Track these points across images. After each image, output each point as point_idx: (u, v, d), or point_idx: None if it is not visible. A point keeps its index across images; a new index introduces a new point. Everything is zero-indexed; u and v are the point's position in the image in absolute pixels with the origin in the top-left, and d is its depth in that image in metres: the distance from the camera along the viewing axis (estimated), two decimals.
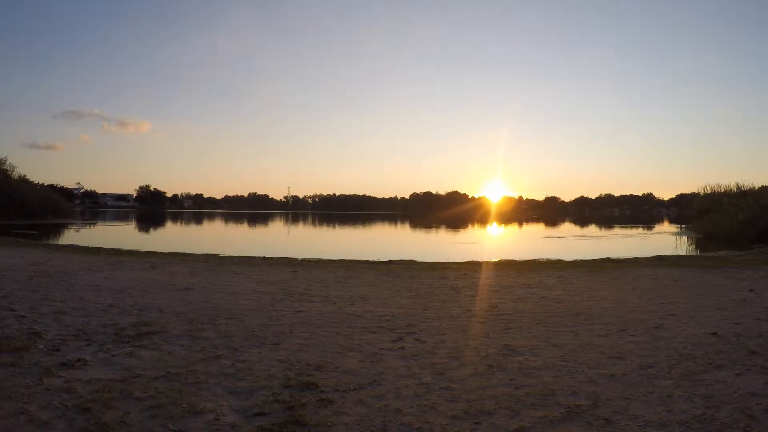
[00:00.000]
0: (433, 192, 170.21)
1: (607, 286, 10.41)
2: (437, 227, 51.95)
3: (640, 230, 47.83)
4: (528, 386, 4.36)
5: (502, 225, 63.50)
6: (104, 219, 63.91)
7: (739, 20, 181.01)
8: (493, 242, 35.28)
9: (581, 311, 7.73)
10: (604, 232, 45.58)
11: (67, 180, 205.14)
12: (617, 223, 66.36)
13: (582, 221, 76.06)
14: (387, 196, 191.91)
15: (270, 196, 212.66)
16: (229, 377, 4.49)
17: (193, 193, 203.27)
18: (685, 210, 69.72)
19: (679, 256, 18.20)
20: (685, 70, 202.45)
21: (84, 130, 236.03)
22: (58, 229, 35.42)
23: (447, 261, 16.13)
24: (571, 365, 4.97)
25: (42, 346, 5.26)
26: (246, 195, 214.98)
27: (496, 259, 17.02)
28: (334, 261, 15.34)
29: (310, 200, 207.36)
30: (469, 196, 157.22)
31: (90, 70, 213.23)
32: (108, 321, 6.53)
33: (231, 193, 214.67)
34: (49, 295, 8.25)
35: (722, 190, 35.59)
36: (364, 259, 16.09)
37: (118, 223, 53.40)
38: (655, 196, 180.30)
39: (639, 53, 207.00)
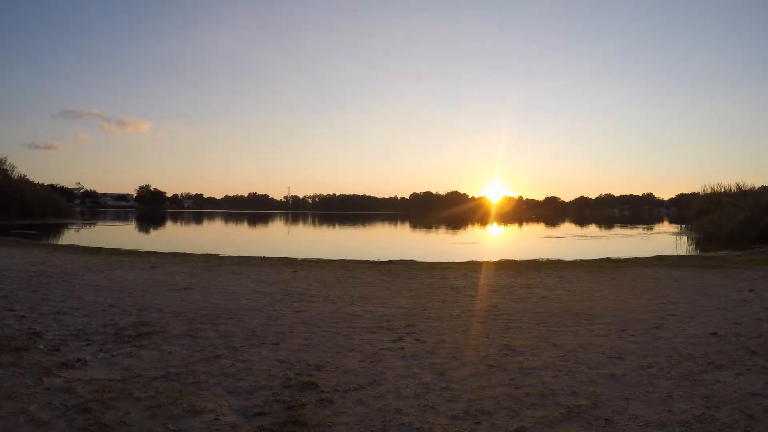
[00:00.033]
0: (433, 192, 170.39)
1: (607, 286, 10.41)
2: (437, 227, 51.96)
3: (640, 230, 47.83)
4: (528, 386, 4.36)
5: (502, 225, 63.49)
6: (104, 219, 63.91)
7: (739, 20, 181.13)
8: (493, 242, 35.28)
9: (581, 311, 7.73)
10: (604, 232, 45.58)
11: (66, 180, 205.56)
12: (617, 223, 66.37)
13: (582, 221, 76.06)
14: (387, 196, 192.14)
15: (270, 196, 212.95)
16: (229, 377, 4.49)
17: (193, 193, 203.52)
18: (685, 210, 69.69)
19: (679, 256, 18.21)
20: (685, 69, 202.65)
21: (83, 129, 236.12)
22: (58, 229, 35.42)
23: (447, 261, 16.13)
24: (571, 365, 4.97)
25: (42, 346, 5.26)
26: (246, 195, 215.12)
27: (496, 259, 17.01)
28: (334, 261, 15.34)
29: (310, 200, 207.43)
30: (469, 196, 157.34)
31: (89, 69, 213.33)
32: (108, 321, 6.53)
33: (231, 193, 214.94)
34: (49, 295, 8.25)
35: (722, 190, 35.62)
36: (364, 259, 16.09)
37: (118, 223, 53.40)
38: (655, 196, 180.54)
39: (639, 53, 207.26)
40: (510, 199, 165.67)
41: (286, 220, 73.58)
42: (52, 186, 72.41)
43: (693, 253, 22.80)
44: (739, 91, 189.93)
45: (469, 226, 56.22)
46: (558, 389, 4.29)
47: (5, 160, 46.05)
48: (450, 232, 44.47)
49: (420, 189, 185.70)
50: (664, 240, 33.25)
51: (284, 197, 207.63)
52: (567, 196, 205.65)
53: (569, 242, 31.86)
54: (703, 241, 28.99)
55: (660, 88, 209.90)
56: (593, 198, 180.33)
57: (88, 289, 8.95)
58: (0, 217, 38.24)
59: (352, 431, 3.47)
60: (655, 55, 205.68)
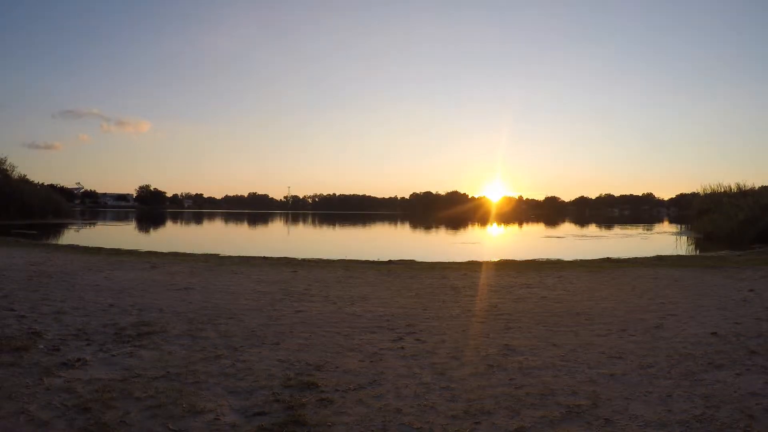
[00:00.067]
0: (433, 192, 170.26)
1: (607, 286, 10.41)
2: (437, 227, 51.96)
3: (640, 230, 47.83)
4: (528, 386, 4.36)
5: (502, 225, 63.49)
6: (104, 219, 63.92)
7: (739, 20, 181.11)
8: (493, 242, 35.28)
9: (581, 311, 7.73)
10: (604, 232, 45.58)
11: (66, 180, 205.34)
12: (617, 223, 66.36)
13: (582, 221, 76.05)
14: (387, 196, 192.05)
15: (270, 196, 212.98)
16: (229, 377, 4.49)
17: (193, 193, 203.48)
18: (685, 210, 69.77)
19: (679, 256, 18.21)
20: (685, 69, 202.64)
21: (83, 129, 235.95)
22: (58, 229, 35.42)
23: (447, 261, 16.13)
24: (571, 365, 4.97)
25: (42, 346, 5.26)
26: (246, 195, 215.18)
27: (496, 259, 17.02)
28: (334, 261, 15.34)
29: (310, 200, 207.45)
30: (469, 196, 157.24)
31: (89, 69, 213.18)
32: (108, 321, 6.53)
33: (231, 193, 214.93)
34: (49, 295, 8.25)
35: (722, 190, 35.59)
36: (364, 259, 16.09)
37: (118, 223, 53.41)
38: (655, 196, 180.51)
39: (639, 53, 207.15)
40: (510, 199, 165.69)
41: (286, 220, 73.58)
42: (52, 186, 72.43)
43: (693, 253, 22.80)
44: (739, 91, 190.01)
45: (469, 226, 56.22)
46: (558, 389, 4.29)
47: (5, 160, 46.13)
48: (450, 232, 44.47)
49: (420, 189, 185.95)
50: (664, 240, 33.25)
51: (284, 197, 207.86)
52: (567, 196, 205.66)
53: (569, 242, 31.86)
54: (703, 241, 28.99)
55: (660, 88, 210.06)
56: (593, 198, 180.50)
57: (88, 289, 8.95)
58: (0, 217, 38.25)
59: (352, 431, 3.47)
60: (655, 55, 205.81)
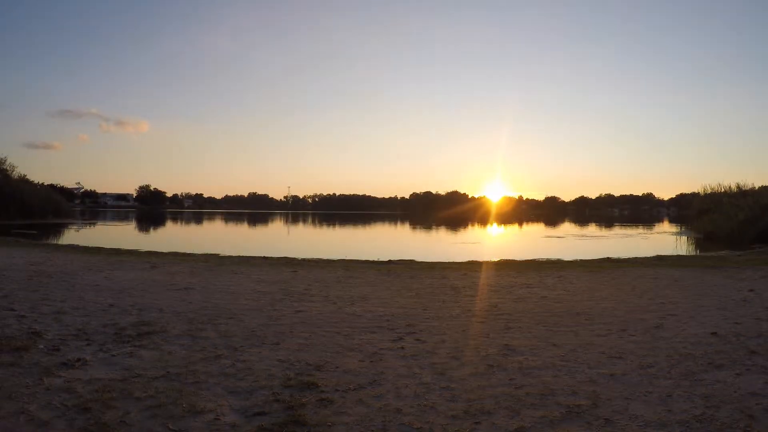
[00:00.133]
0: (433, 192, 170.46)
1: (607, 286, 10.41)
2: (437, 227, 51.96)
3: (640, 230, 47.83)
4: (528, 386, 4.36)
5: (502, 225, 63.50)
6: (104, 219, 63.92)
7: (739, 20, 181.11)
8: (493, 242, 35.28)
9: (581, 311, 7.73)
10: (604, 231, 45.58)
11: (65, 179, 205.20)
12: (617, 223, 66.36)
13: (582, 221, 76.05)
14: (387, 196, 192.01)
15: (270, 196, 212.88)
16: (229, 377, 4.49)
17: (193, 193, 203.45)
18: (685, 210, 69.74)
19: (679, 256, 18.21)
20: (685, 69, 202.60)
21: (82, 129, 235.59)
22: (58, 229, 35.43)
23: (447, 261, 16.13)
24: (571, 365, 4.97)
25: (42, 346, 5.26)
26: (246, 195, 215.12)
27: (496, 259, 17.01)
28: (334, 261, 15.34)
29: (310, 200, 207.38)
30: (469, 196, 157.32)
31: (88, 69, 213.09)
32: (108, 321, 6.53)
33: (231, 193, 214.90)
34: (49, 295, 8.25)
35: (722, 190, 35.59)
36: (364, 259, 16.09)
37: (118, 223, 53.41)
38: (655, 196, 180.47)
39: (639, 52, 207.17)
40: (510, 199, 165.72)
41: (286, 220, 73.59)
42: (52, 186, 72.38)
43: (693, 253, 22.80)
44: (739, 91, 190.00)
45: (469, 226, 56.22)
46: (558, 389, 4.29)
47: (5, 160, 46.15)
48: (450, 232, 44.47)
49: (420, 189, 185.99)
50: (664, 240, 33.25)
51: (284, 197, 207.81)
52: (567, 196, 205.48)
53: (569, 242, 31.86)
54: (703, 241, 28.99)
55: (660, 88, 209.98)
56: (593, 198, 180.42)
57: (88, 289, 8.95)
58: (0, 217, 38.24)
59: (352, 431, 3.47)
60: (655, 55, 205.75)
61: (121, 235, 36.07)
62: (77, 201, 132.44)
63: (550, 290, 9.80)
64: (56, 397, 3.93)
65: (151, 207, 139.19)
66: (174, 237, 36.26)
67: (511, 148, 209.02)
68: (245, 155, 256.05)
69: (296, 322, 6.74)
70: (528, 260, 16.64)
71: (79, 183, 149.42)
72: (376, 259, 15.83)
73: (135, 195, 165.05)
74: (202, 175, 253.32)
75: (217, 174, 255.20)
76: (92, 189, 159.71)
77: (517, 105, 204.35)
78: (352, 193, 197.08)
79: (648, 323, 6.86)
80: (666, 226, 56.02)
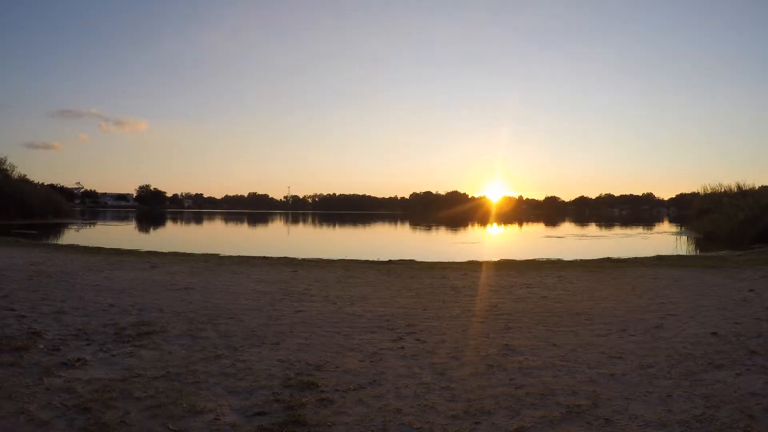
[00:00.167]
0: (433, 192, 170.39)
1: (607, 286, 10.41)
2: (437, 227, 51.96)
3: (640, 230, 47.82)
4: (528, 386, 4.36)
5: (502, 225, 63.51)
6: (104, 219, 63.92)
7: (739, 20, 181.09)
8: (493, 242, 35.28)
9: (581, 311, 7.73)
10: (604, 231, 45.58)
11: (65, 179, 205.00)
12: (617, 223, 66.36)
13: (582, 221, 76.06)
14: (387, 196, 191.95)
15: (270, 196, 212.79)
16: (229, 377, 4.50)
17: (193, 193, 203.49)
18: (685, 210, 69.69)
19: (679, 256, 18.21)
20: (685, 69, 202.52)
21: (81, 129, 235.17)
22: (58, 229, 35.43)
23: (447, 261, 16.13)
24: (571, 365, 4.97)
25: (42, 346, 5.26)
26: (246, 195, 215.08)
27: (496, 259, 17.01)
28: (334, 261, 15.34)
29: (310, 200, 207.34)
30: (469, 196, 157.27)
31: (87, 68, 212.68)
32: (108, 321, 6.53)
33: (231, 193, 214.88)
34: (49, 294, 8.25)
35: (722, 190, 35.57)
36: (364, 259, 16.09)
37: (118, 223, 53.41)
38: (655, 196, 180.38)
39: (639, 53, 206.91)
40: (510, 199, 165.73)
41: (286, 220, 73.59)
42: (52, 186, 72.44)
43: (693, 253, 22.81)
44: (739, 91, 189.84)
45: (469, 226, 56.23)
46: (558, 389, 4.29)
47: (5, 160, 46.21)
48: (450, 231, 44.47)
49: (420, 189, 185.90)
50: (664, 240, 33.25)
51: (284, 197, 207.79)
52: (567, 196, 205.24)
53: (569, 242, 31.86)
54: (703, 241, 28.98)
55: (660, 88, 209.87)
56: (593, 198, 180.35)
57: (88, 289, 8.95)
58: (0, 217, 38.25)
59: (352, 431, 3.47)
60: (655, 55, 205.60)
61: (121, 235, 36.07)
62: (77, 201, 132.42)
63: (550, 290, 9.80)
64: (56, 397, 3.93)
65: (151, 207, 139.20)
66: (174, 237, 36.26)
67: (511, 148, 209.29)
68: (245, 155, 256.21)
69: (296, 322, 6.74)
70: (528, 260, 16.64)
71: (79, 183, 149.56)
72: (376, 259, 15.82)
73: (135, 195, 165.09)
74: (202, 175, 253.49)
75: (217, 174, 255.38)
76: (92, 189, 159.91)
77: (517, 105, 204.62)
78: (352, 193, 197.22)
79: (648, 323, 6.86)
80: (666, 226, 56.01)
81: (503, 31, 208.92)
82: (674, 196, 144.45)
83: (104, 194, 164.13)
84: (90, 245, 19.91)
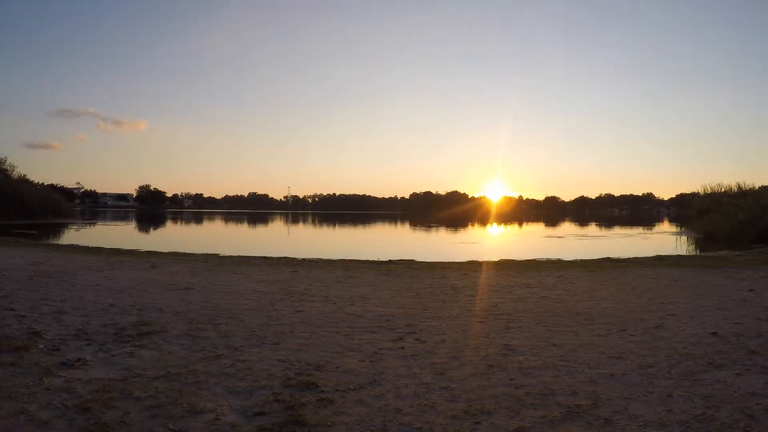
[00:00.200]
0: (433, 192, 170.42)
1: (607, 286, 10.41)
2: (437, 227, 51.96)
3: (640, 230, 47.81)
4: (528, 386, 4.36)
5: (502, 225, 63.50)
6: (104, 219, 63.91)
7: (739, 20, 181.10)
8: (493, 242, 35.28)
9: (581, 311, 7.73)
10: (604, 231, 45.58)
11: (64, 179, 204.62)
12: (617, 223, 66.36)
13: (582, 221, 76.05)
14: (387, 196, 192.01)
15: (270, 196, 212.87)
16: (229, 377, 4.50)
17: (193, 193, 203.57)
18: (685, 210, 69.72)
19: (679, 256, 18.20)
20: (685, 69, 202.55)
21: (79, 128, 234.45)
22: (58, 229, 35.43)
23: (447, 261, 16.13)
24: (571, 365, 4.97)
25: (42, 346, 5.26)
26: (246, 195, 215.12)
27: (496, 259, 17.01)
28: (334, 261, 15.34)
29: (310, 200, 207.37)
30: (469, 196, 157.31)
31: (85, 68, 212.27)
32: (108, 321, 6.53)
33: (231, 193, 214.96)
34: (49, 294, 8.25)
35: (722, 190, 35.58)
36: (364, 259, 16.09)
37: (118, 223, 53.41)
38: (655, 196, 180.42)
39: (639, 52, 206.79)
40: (510, 199, 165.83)
41: (286, 220, 73.59)
42: (52, 186, 72.41)
43: (693, 253, 22.80)
44: (739, 91, 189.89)
45: (469, 226, 56.23)
46: (558, 389, 4.29)
47: (5, 160, 46.20)
48: (450, 231, 44.47)
49: (420, 189, 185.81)
50: (664, 240, 33.25)
51: (284, 197, 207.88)
52: (567, 196, 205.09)
53: (569, 242, 31.86)
54: (703, 241, 28.98)
55: (660, 88, 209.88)
56: (593, 198, 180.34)
57: (88, 289, 8.95)
58: (0, 217, 38.25)
59: (352, 431, 3.47)
60: (655, 55, 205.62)
61: (121, 235, 36.07)
62: (77, 201, 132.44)
63: (550, 290, 9.80)
64: (56, 397, 3.93)
65: (151, 207, 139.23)
66: (174, 237, 36.26)
67: (511, 148, 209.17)
68: (245, 155, 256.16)
69: (296, 322, 6.74)
70: (528, 260, 16.64)
71: (79, 183, 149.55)
72: (376, 259, 15.82)
73: (135, 195, 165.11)
74: (202, 175, 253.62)
75: (217, 174, 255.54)
76: (92, 189, 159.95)
77: (517, 105, 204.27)
78: (352, 193, 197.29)
79: (648, 323, 6.86)
80: (666, 226, 56.01)
81: (503, 31, 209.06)
82: (674, 196, 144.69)
83: (104, 194, 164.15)
84: (90, 245, 19.91)
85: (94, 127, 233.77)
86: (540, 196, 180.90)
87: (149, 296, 8.43)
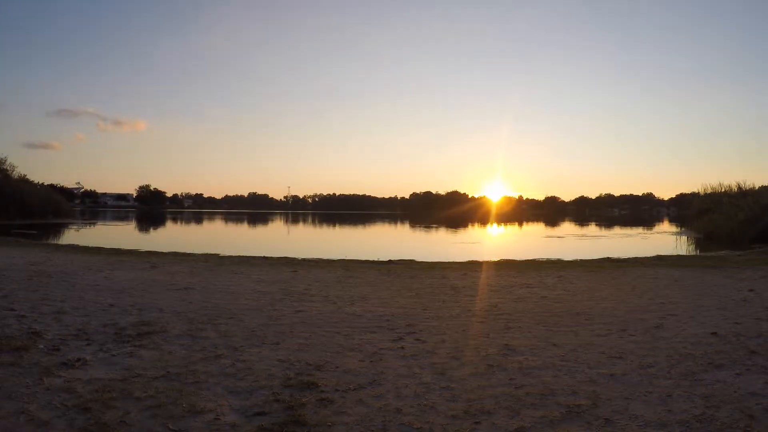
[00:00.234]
0: (433, 192, 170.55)
1: (607, 286, 10.41)
2: (437, 227, 51.96)
3: (640, 230, 47.81)
4: (528, 386, 4.36)
5: (502, 225, 63.49)
6: (104, 219, 63.91)
7: (739, 19, 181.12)
8: (493, 242, 35.28)
9: (581, 311, 7.73)
10: (604, 232, 45.59)
11: (64, 179, 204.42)
12: (617, 223, 66.35)
13: (582, 221, 76.05)
14: (387, 196, 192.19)
15: (270, 196, 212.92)
16: (229, 377, 4.49)
17: (193, 192, 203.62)
18: (685, 210, 69.72)
19: (679, 256, 18.20)
20: (685, 69, 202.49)
21: (79, 128, 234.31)
22: (58, 229, 35.43)
23: (447, 261, 16.13)
24: (571, 365, 4.97)
25: (42, 346, 5.26)
26: (246, 195, 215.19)
27: (496, 259, 17.01)
28: (334, 261, 15.34)
29: (310, 200, 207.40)
30: (469, 196, 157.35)
31: (84, 68, 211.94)
32: (108, 321, 6.53)
33: (231, 193, 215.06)
34: (49, 294, 8.25)
35: (722, 190, 35.56)
36: (364, 259, 16.09)
37: (118, 223, 53.41)
38: (655, 196, 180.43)
39: (639, 52, 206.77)
40: (510, 198, 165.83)
41: (286, 220, 73.59)
42: (52, 186, 72.41)
43: (693, 253, 22.81)
44: (740, 91, 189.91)
45: (469, 226, 56.22)
46: (558, 389, 4.29)
47: (5, 160, 46.20)
48: (450, 231, 44.47)
49: (420, 189, 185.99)
50: (664, 240, 33.25)
51: (284, 197, 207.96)
52: (567, 196, 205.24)
53: (569, 242, 31.87)
54: (703, 241, 28.99)
55: (660, 88, 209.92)
56: (593, 198, 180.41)
57: (88, 289, 8.95)
58: (0, 217, 38.24)
59: (352, 431, 3.47)
60: (655, 54, 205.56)
61: (121, 235, 36.07)
62: (77, 201, 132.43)
63: (550, 290, 9.80)
64: (56, 397, 3.93)
65: (151, 207, 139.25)
66: (174, 237, 36.26)
67: (511, 148, 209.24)
68: (245, 155, 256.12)
69: (296, 322, 6.74)
70: (528, 260, 16.64)
71: (79, 183, 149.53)
72: (376, 259, 15.82)
73: (135, 195, 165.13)
74: (202, 175, 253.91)
75: (217, 174, 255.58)
76: (92, 189, 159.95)
77: (517, 105, 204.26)
78: (352, 193, 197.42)
79: (648, 323, 6.86)
80: (666, 226, 56.00)
81: (503, 31, 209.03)
82: (674, 196, 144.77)
83: (104, 194, 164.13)
84: (90, 245, 19.91)
85: (93, 127, 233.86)
86: (540, 196, 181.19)
87: (149, 296, 8.43)
